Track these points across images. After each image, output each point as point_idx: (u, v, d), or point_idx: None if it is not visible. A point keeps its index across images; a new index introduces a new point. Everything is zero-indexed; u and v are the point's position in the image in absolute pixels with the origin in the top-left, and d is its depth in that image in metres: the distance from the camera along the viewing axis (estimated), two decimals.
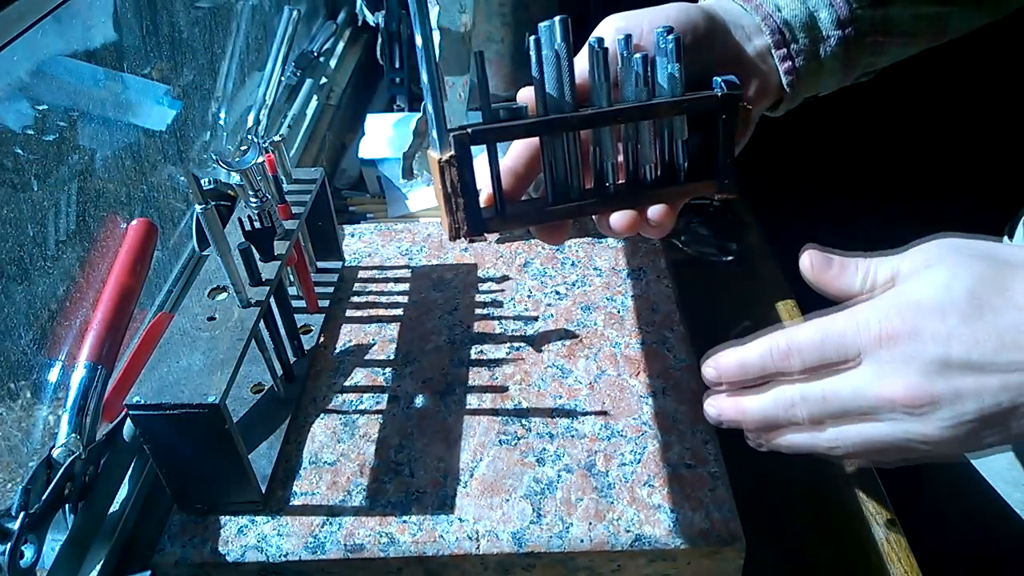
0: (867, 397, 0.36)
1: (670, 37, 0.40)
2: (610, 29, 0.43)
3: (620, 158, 0.43)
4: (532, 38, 0.39)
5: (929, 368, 0.34)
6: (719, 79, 0.41)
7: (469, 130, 0.39)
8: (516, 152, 0.44)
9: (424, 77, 0.37)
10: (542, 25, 0.39)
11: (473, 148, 0.40)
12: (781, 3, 0.47)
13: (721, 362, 0.41)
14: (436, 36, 0.85)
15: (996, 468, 0.67)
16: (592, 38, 0.41)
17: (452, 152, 0.39)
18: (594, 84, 0.41)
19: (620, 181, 0.44)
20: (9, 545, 0.41)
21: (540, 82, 0.40)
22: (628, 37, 0.40)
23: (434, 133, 0.39)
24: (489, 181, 0.41)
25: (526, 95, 0.42)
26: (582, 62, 0.41)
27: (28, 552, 0.43)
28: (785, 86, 0.48)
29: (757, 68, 0.47)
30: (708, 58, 0.44)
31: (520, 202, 0.44)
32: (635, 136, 0.42)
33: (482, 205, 0.42)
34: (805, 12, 0.47)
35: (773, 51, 0.47)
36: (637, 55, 0.40)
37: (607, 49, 0.40)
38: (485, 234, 0.42)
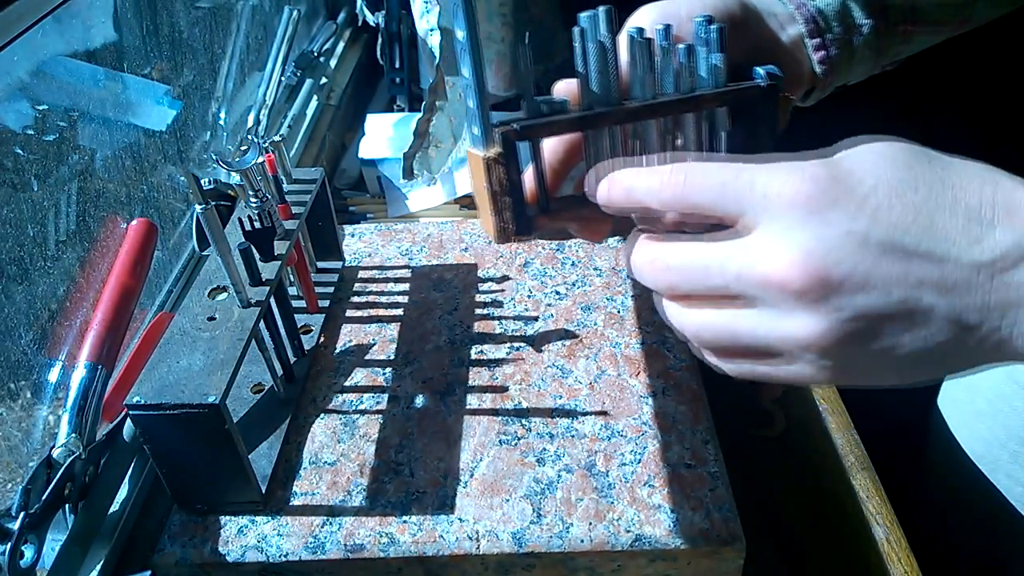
0: (753, 275, 0.29)
1: (713, 27, 0.38)
2: (647, 19, 0.42)
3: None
4: (577, 29, 0.37)
5: (841, 243, 0.28)
6: (760, 69, 0.40)
7: (515, 126, 0.37)
8: (552, 147, 0.43)
9: (466, 72, 0.36)
10: (583, 15, 0.37)
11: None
12: None
13: (613, 182, 0.35)
14: (436, 36, 0.85)
15: (997, 463, 0.67)
16: (631, 28, 0.39)
17: (498, 149, 0.38)
18: (635, 76, 0.39)
19: None
20: (9, 545, 0.41)
21: (585, 75, 0.38)
22: (668, 27, 0.39)
23: (475, 129, 0.37)
24: (532, 178, 0.40)
25: (564, 88, 0.41)
26: (622, 53, 0.40)
27: (28, 552, 0.43)
28: (819, 75, 0.48)
29: (791, 57, 0.47)
30: (743, 47, 0.44)
31: (561, 198, 0.43)
32: (673, 129, 0.42)
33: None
34: (838, 1, 0.47)
35: (807, 40, 0.47)
36: (680, 46, 0.39)
37: (651, 40, 0.38)
38: (532, 233, 0.40)
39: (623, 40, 0.39)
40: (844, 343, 0.29)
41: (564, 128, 0.39)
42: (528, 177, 0.40)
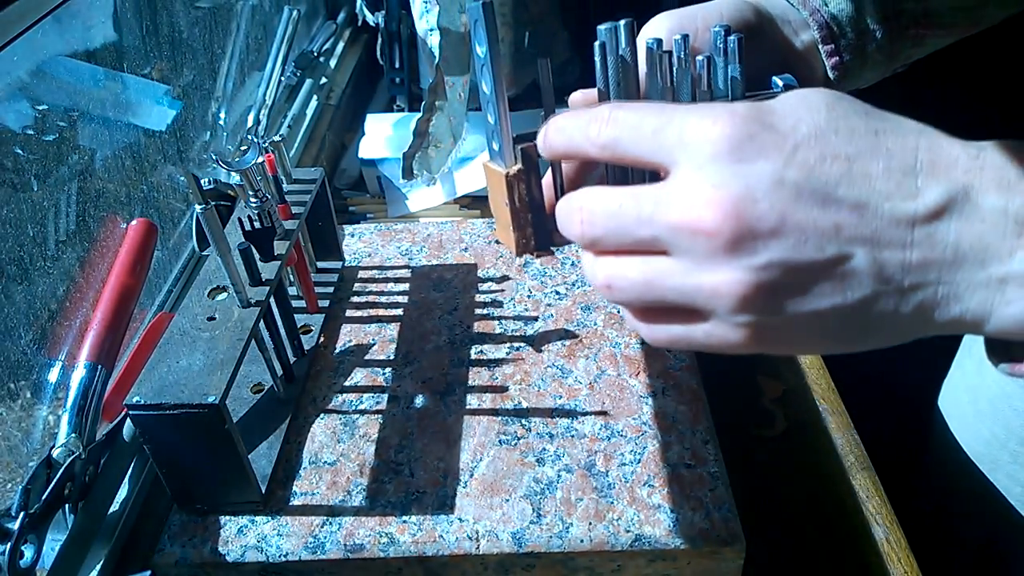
0: (667, 217, 0.28)
1: (731, 37, 0.38)
2: (663, 29, 0.42)
3: None
4: (598, 44, 0.37)
5: (756, 185, 0.27)
6: (778, 79, 0.40)
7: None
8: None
9: (486, 88, 0.36)
10: (603, 28, 0.36)
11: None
12: None
13: (551, 125, 0.33)
14: (436, 36, 0.85)
15: (998, 463, 0.67)
16: (648, 40, 0.38)
17: (519, 166, 0.37)
18: (654, 88, 0.38)
19: None
20: (9, 545, 0.41)
21: (606, 91, 0.38)
22: (685, 38, 0.38)
23: (495, 145, 0.37)
24: (550, 187, 0.40)
25: (580, 99, 0.41)
26: (640, 64, 0.40)
27: (28, 552, 0.43)
28: (832, 80, 0.48)
29: (804, 63, 0.47)
30: (757, 53, 0.43)
31: None
32: None
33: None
34: (851, 7, 0.47)
35: (820, 46, 0.47)
36: (699, 57, 0.38)
37: (670, 52, 0.38)
38: (551, 247, 0.40)
39: (641, 51, 0.38)
40: (760, 295, 0.27)
41: None
42: (547, 185, 0.40)
